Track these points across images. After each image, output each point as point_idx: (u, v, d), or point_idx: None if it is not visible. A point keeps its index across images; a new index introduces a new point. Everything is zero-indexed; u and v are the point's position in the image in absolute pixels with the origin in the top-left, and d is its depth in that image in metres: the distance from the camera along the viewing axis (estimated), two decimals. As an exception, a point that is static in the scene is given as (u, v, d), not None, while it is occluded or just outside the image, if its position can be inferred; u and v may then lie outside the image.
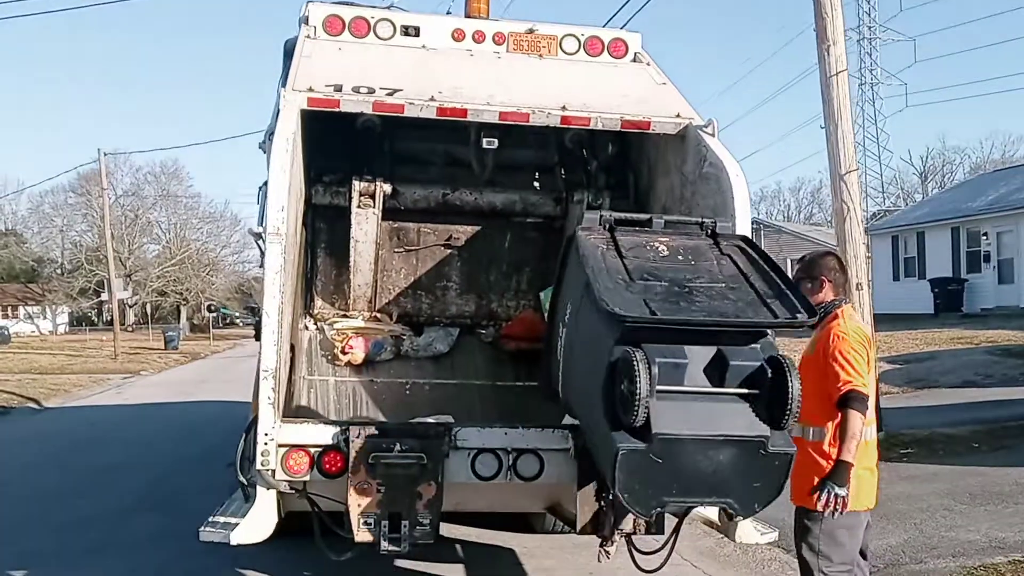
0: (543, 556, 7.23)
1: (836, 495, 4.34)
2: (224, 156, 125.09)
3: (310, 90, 5.53)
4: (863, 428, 4.40)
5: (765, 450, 3.95)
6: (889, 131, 70.09)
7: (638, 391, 3.79)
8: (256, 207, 7.17)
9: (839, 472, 4.35)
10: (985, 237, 29.26)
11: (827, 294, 4.71)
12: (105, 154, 39.81)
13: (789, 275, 4.57)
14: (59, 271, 69.86)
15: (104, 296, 53.15)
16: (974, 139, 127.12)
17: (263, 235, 5.08)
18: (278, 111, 5.84)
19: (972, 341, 19.58)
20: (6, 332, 47.82)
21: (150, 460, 12.06)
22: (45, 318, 68.73)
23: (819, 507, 4.35)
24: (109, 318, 50.63)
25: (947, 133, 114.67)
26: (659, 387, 3.85)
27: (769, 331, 4.26)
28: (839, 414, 4.41)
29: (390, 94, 5.61)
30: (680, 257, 4.57)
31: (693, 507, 4.30)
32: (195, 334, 58.41)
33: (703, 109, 6.14)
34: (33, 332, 63.10)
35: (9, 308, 68.49)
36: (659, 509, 4.05)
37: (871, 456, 4.65)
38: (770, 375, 3.95)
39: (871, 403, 4.53)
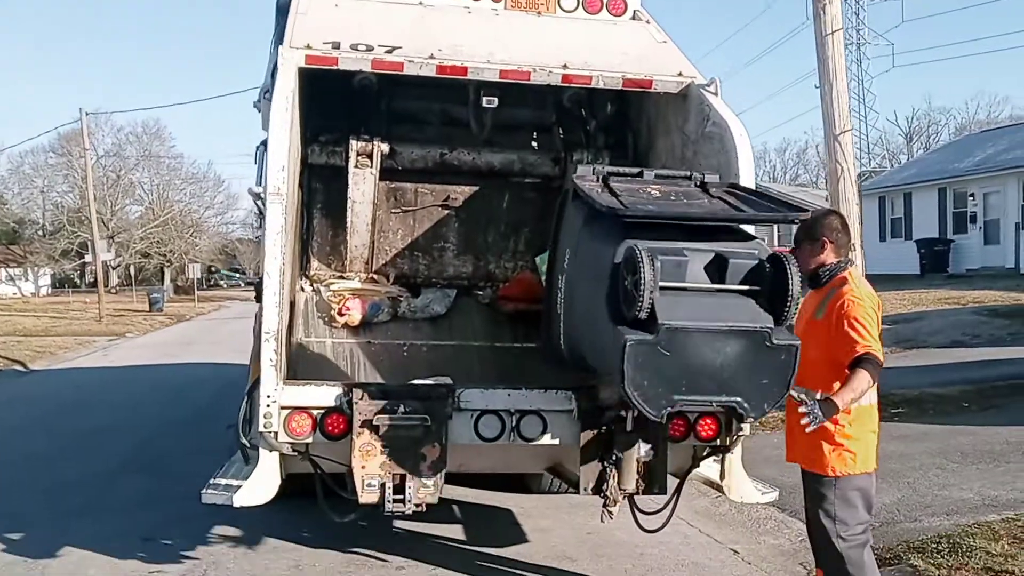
0: (540, 516, 7.27)
1: (815, 415, 4.24)
2: (207, 116, 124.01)
3: (308, 47, 5.43)
4: (869, 387, 4.37)
5: (770, 342, 3.98)
6: (875, 92, 69.87)
7: (643, 281, 3.86)
8: (255, 167, 7.08)
9: (829, 407, 4.26)
10: (972, 198, 29.36)
11: (829, 256, 4.61)
12: (87, 114, 39.34)
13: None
14: (40, 233, 69.13)
15: (87, 258, 52.79)
16: (959, 100, 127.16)
17: (263, 195, 5.01)
18: (274, 69, 5.74)
19: (959, 301, 19.70)
20: (-12, 294, 47.44)
21: (138, 423, 12.01)
22: (27, 280, 68.11)
23: (803, 422, 4.27)
24: (92, 280, 50.36)
25: (933, 93, 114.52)
26: (662, 283, 3.92)
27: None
28: (848, 376, 4.39)
29: (389, 52, 5.52)
30: (672, 198, 4.68)
31: (703, 408, 4.20)
32: (179, 296, 58.15)
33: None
34: (15, 294, 62.48)
35: (-9, 270, 67.99)
36: (669, 409, 4.00)
37: (875, 419, 4.67)
38: (770, 271, 4.05)
39: None
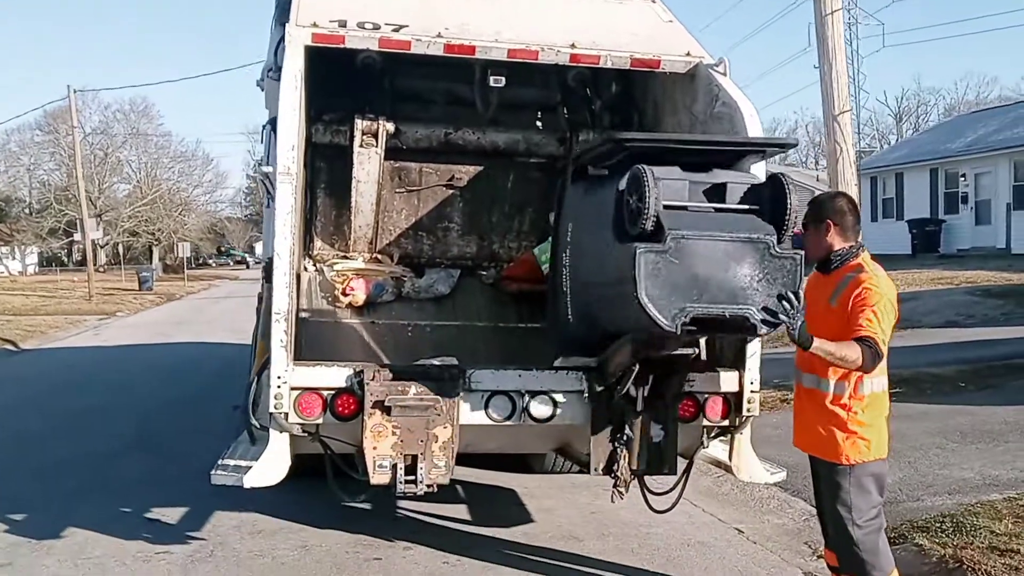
0: (543, 496, 7.28)
1: (795, 321, 4.08)
2: (195, 94, 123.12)
3: (314, 25, 5.37)
4: (852, 361, 4.19)
5: (774, 250, 4.16)
6: (866, 72, 69.84)
7: (647, 193, 4.11)
8: (261, 146, 7.00)
9: (806, 333, 4.11)
10: (963, 178, 29.46)
11: (834, 239, 4.49)
12: (75, 91, 38.97)
13: None
14: (27, 211, 68.70)
15: (76, 236, 52.45)
16: (949, 80, 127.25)
17: (272, 175, 4.97)
18: (277, 47, 5.69)
19: (952, 282, 19.77)
20: (-25, 273, 47.16)
21: (133, 402, 11.96)
22: (14, 258, 67.76)
23: (780, 318, 4.11)
24: (80, 258, 50.11)
25: (922, 74, 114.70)
26: (665, 201, 4.16)
27: None
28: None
29: (396, 30, 5.47)
30: None
31: (716, 315, 4.13)
32: (168, 275, 57.97)
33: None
34: (1, 272, 62.24)
35: (-24, 248, 67.60)
36: (683, 319, 4.04)
37: (887, 405, 4.61)
38: (768, 191, 4.32)
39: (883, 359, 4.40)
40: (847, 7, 51.94)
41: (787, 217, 4.24)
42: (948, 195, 29.95)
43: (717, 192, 4.34)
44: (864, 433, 4.47)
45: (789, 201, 4.24)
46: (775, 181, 4.32)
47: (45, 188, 66.98)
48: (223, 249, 56.42)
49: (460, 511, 6.89)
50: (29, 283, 49.12)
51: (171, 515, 6.77)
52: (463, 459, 7.14)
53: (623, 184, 4.32)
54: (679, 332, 4.09)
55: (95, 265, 43.85)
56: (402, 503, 6.71)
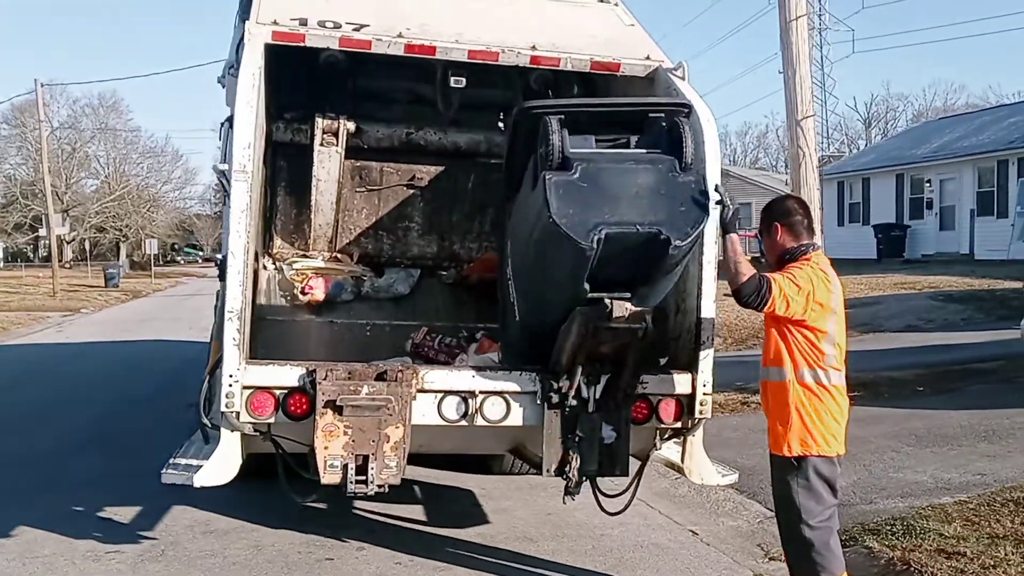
0: (501, 497, 7.28)
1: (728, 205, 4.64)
2: (165, 90, 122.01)
3: (275, 23, 5.34)
4: (739, 274, 4.40)
5: (675, 171, 4.56)
6: (835, 77, 70.38)
7: (551, 136, 4.53)
8: (220, 143, 6.96)
9: (732, 218, 4.63)
10: (928, 184, 29.77)
11: (784, 239, 4.58)
12: (42, 85, 38.53)
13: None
14: (-8, 204, 67.90)
15: (41, 232, 51.86)
16: (917, 87, 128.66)
17: (228, 173, 4.94)
18: (239, 45, 5.65)
19: (915, 287, 19.97)
20: (-62, 267, 46.50)
21: (91, 400, 11.85)
22: (-20, 253, 66.96)
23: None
24: (45, 254, 49.55)
25: (891, 80, 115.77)
26: (572, 149, 4.55)
27: None
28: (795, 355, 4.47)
29: (357, 29, 5.45)
30: None
31: (627, 231, 4.38)
32: (136, 271, 57.40)
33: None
34: (-34, 267, 61.50)
35: (-60, 242, 66.64)
36: (596, 235, 4.29)
37: (838, 403, 4.62)
38: (666, 130, 4.71)
39: (827, 351, 4.48)
40: (817, 13, 52.32)
41: (684, 151, 4.60)
42: (913, 201, 30.26)
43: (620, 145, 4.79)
44: (810, 425, 4.49)
45: (685, 141, 4.60)
46: (673, 125, 4.69)
47: (11, 183, 66.08)
48: (177, 247, 55.94)
49: (416, 511, 6.88)
50: (-7, 278, 48.49)
51: (123, 514, 6.70)
52: (421, 459, 7.21)
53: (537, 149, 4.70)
54: (596, 247, 4.29)
55: (61, 261, 43.39)
56: (359, 503, 6.68)
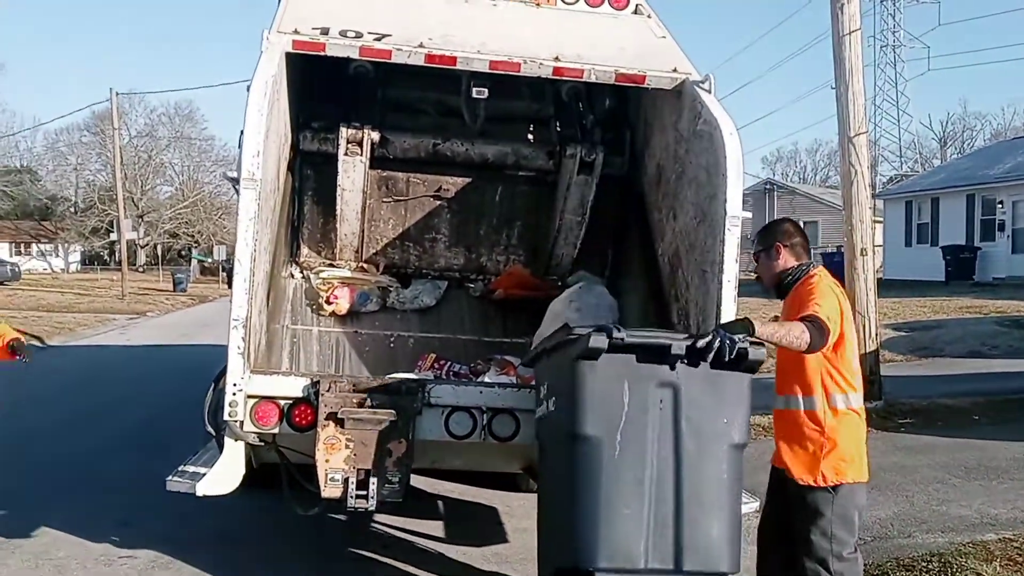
0: (523, 516, 7.12)
1: (728, 340, 3.96)
2: (238, 100, 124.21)
3: (296, 32, 5.34)
4: (797, 338, 4.05)
5: None
6: (909, 95, 69.04)
7: None
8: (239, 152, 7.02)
9: (733, 323, 4.16)
10: (1000, 205, 28.86)
11: (786, 260, 4.49)
12: (118, 94, 39.62)
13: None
14: (72, 210, 69.79)
15: (115, 236, 53.24)
16: (995, 105, 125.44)
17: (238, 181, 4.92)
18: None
19: (981, 311, 19.32)
20: (17, 269, 47.91)
21: (143, 401, 12.00)
22: (57, 256, 68.91)
23: (709, 356, 3.98)
24: (121, 258, 50.73)
25: (968, 98, 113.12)
26: None
27: None
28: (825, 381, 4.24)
29: (378, 39, 5.41)
30: None
31: None
32: (205, 276, 58.55)
33: (723, 67, 5.98)
34: (45, 269, 63.29)
35: (22, 245, 68.72)
36: None
37: (862, 427, 4.41)
38: None
39: (855, 371, 4.32)
40: (892, 30, 51.45)
41: None
42: (985, 222, 29.33)
43: None
44: (844, 451, 4.28)
45: None
46: None
47: (90, 188, 68.10)
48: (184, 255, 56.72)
49: (435, 527, 6.77)
50: (69, 281, 49.86)
51: (145, 517, 6.71)
52: (446, 474, 7.12)
53: None
54: None
55: (133, 265, 44.40)
56: (378, 516, 6.61)
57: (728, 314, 4.94)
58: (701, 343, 3.98)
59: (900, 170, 53.43)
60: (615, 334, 3.95)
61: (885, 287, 18.95)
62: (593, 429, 3.97)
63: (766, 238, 4.57)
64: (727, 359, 3.97)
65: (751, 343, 4.02)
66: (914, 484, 7.84)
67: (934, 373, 13.49)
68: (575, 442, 4.00)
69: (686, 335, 4.15)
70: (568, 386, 4.06)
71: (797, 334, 4.05)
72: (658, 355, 4.01)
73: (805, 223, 45.98)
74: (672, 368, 4.04)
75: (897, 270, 29.91)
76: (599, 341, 3.93)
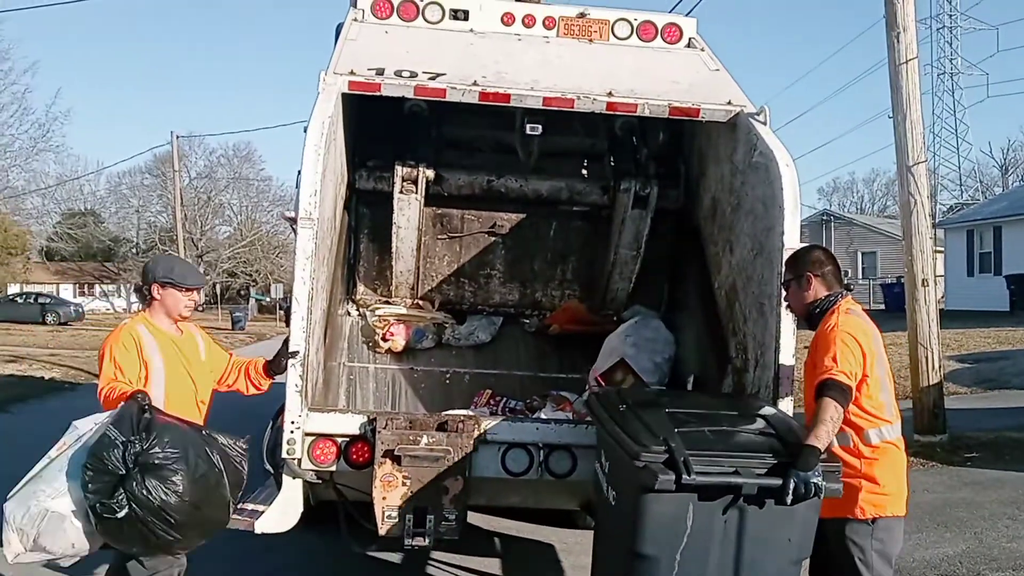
0: (581, 553, 7.03)
1: (804, 482, 3.78)
2: (295, 140, 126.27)
3: (351, 73, 5.42)
4: (836, 420, 3.97)
5: None
6: (968, 122, 68.06)
7: None
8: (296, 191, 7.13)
9: (805, 457, 3.84)
10: (1066, 233, 28.19)
11: (817, 290, 4.37)
12: (178, 137, 40.64)
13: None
14: (134, 250, 71.24)
15: (175, 276, 54.23)
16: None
17: (295, 220, 4.99)
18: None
19: (1048, 341, 18.84)
20: (81, 309, 49.00)
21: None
22: (120, 296, 70.33)
23: (788, 499, 3.79)
24: (179, 297, 51.46)
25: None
26: None
27: None
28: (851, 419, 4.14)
29: (432, 78, 5.48)
30: None
31: None
32: (263, 315, 59.27)
33: (778, 98, 5.94)
34: (107, 309, 64.58)
35: (85, 286, 70.29)
36: None
37: (902, 459, 4.30)
38: None
39: (882, 403, 4.20)
40: (949, 57, 50.81)
41: None
42: (1050, 250, 28.66)
43: None
44: (882, 485, 4.18)
45: None
46: None
47: (152, 229, 69.47)
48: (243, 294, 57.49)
49: (491, 564, 6.73)
50: (130, 320, 50.57)
51: (201, 556, 6.72)
52: (502, 510, 7.07)
53: None
54: None
55: (192, 304, 45.00)
56: (435, 552, 6.58)
57: (787, 347, 4.85)
58: (775, 483, 3.76)
59: (961, 199, 52.39)
60: (684, 477, 3.65)
61: (947, 318, 18.53)
62: (652, 550, 3.79)
63: (796, 267, 4.46)
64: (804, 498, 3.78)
65: (825, 469, 3.81)
66: (983, 520, 7.63)
67: (1000, 406, 13.13)
68: (633, 558, 3.84)
69: (760, 465, 3.84)
70: (630, 506, 3.86)
71: (835, 417, 3.96)
72: (727, 492, 3.79)
73: (864, 254, 45.69)
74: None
75: (959, 300, 29.27)
76: (666, 483, 3.66)
